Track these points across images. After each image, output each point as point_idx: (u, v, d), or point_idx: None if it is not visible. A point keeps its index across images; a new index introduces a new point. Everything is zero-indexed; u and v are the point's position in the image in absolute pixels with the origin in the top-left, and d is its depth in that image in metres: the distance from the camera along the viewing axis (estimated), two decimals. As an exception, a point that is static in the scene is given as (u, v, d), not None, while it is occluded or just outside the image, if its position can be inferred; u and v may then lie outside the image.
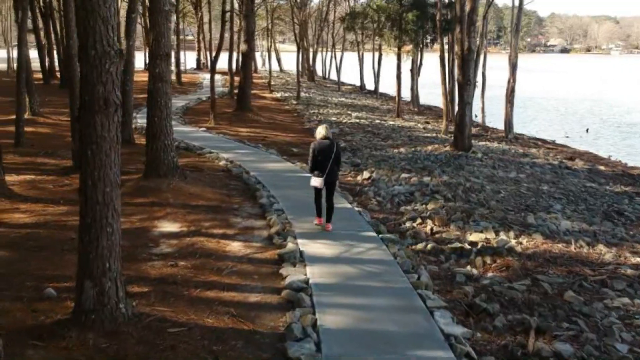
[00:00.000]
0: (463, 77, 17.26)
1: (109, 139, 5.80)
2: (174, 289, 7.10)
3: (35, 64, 40.09)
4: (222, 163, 14.56)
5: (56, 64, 36.82)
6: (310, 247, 8.56)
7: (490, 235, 9.79)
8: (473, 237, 9.71)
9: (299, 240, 8.80)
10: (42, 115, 21.05)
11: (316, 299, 6.81)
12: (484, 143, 21.36)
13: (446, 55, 26.18)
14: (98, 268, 5.84)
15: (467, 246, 9.30)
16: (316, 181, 9.20)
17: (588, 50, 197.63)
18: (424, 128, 25.62)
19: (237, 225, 9.78)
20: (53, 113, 22.48)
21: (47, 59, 37.58)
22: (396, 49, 27.51)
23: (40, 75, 35.17)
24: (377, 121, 26.21)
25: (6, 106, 21.68)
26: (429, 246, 9.25)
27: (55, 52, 36.87)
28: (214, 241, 8.93)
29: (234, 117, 23.60)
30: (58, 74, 35.18)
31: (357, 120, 25.77)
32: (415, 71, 33.63)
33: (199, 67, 58.08)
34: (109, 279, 5.89)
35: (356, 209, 10.68)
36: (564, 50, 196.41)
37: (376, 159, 16.53)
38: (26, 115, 20.61)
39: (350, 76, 58.66)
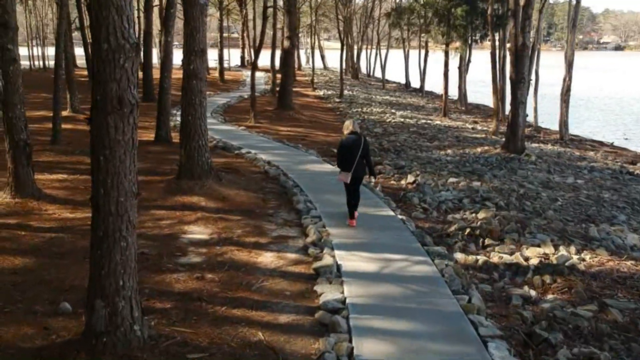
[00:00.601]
0: (517, 75, 16.18)
1: (124, 143, 5.21)
2: (198, 306, 6.48)
3: (81, 61, 40.72)
4: (259, 164, 13.96)
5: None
6: (349, 260, 7.82)
7: (549, 249, 8.84)
8: (529, 251, 8.77)
9: (337, 252, 8.07)
10: (82, 112, 20.93)
11: (353, 323, 6.07)
12: (537, 145, 20.16)
13: (497, 52, 24.97)
14: (111, 286, 5.27)
15: (523, 262, 8.38)
16: (344, 176, 9.14)
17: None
18: (472, 128, 24.49)
19: (271, 233, 9.13)
20: (94, 110, 22.39)
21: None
22: (444, 46, 26.40)
23: (85, 72, 35.53)
24: (423, 121, 25.23)
25: (50, 103, 21.73)
26: (480, 261, 8.38)
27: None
28: (246, 251, 8.30)
29: (274, 116, 23.06)
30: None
31: (402, 120, 24.85)
32: (463, 69, 32.42)
33: (243, 64, 57.93)
34: (123, 298, 5.31)
35: (399, 217, 9.88)
36: (618, 48, 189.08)
37: (421, 162, 15.64)
38: (66, 113, 20.63)
39: (394, 74, 57.56)
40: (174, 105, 22.77)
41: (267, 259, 8.03)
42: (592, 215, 11.29)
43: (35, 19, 51.49)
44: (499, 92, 24.45)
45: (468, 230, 9.49)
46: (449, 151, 17.45)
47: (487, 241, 9.22)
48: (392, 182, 13.37)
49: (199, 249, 8.31)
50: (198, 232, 9.03)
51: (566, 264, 8.27)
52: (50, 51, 53.30)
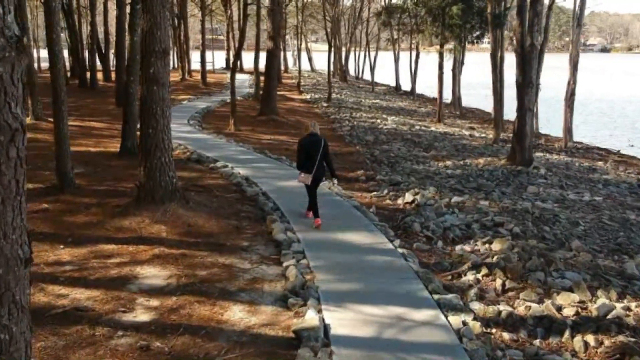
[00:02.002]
0: (524, 79, 14.58)
1: (0, 188, 3.46)
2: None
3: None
4: (236, 180, 12.21)
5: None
6: (340, 317, 6.12)
7: (585, 295, 7.20)
8: (562, 298, 7.12)
9: (324, 306, 6.37)
10: (45, 119, 19.06)
11: None
12: (541, 154, 18.60)
13: (497, 53, 23.38)
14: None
15: (557, 314, 6.73)
16: (305, 178, 9.09)
17: (629, 49, 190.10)
18: (470, 135, 22.90)
19: (243, 275, 7.40)
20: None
21: (69, 58, 36.09)
22: (436, 47, 24.81)
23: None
24: (417, 127, 23.60)
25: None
26: (503, 313, 6.71)
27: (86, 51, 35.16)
28: (209, 303, 6.56)
29: (257, 122, 21.32)
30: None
31: (394, 126, 23.21)
32: (457, 70, 30.89)
33: (228, 66, 56.11)
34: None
35: (400, 250, 8.19)
36: (604, 50, 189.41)
37: (419, 176, 13.99)
38: (29, 120, 18.74)
39: (384, 76, 56.02)
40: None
41: (235, 315, 6.30)
42: (622, 244, 9.68)
43: None
44: (498, 97, 22.89)
45: (484, 270, 7.81)
46: (449, 163, 15.81)
47: (508, 283, 7.56)
48: (388, 201, 11.69)
49: (150, 301, 6.56)
50: (153, 275, 7.28)
51: (609, 316, 6.63)
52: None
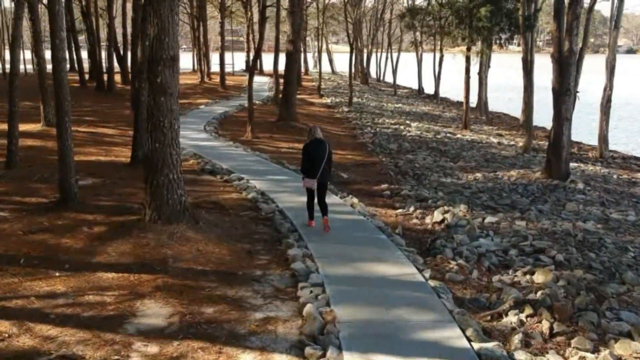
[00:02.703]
0: (560, 86, 13.56)
1: None
2: None
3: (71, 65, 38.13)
4: (251, 195, 11.40)
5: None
6: (365, 374, 5.25)
7: (648, 343, 6.22)
8: (620, 347, 6.17)
9: (347, 355, 5.50)
10: (58, 125, 18.45)
11: None
12: (576, 164, 17.49)
13: (528, 56, 22.25)
14: None
15: (618, 369, 5.78)
16: (310, 183, 9.11)
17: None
18: (498, 143, 21.83)
19: (254, 313, 6.56)
20: (74, 122, 19.87)
21: (88, 61, 35.72)
22: (463, 49, 23.77)
23: (77, 78, 33.25)
24: (442, 134, 22.58)
25: (28, 113, 19.22)
26: (555, 366, 5.78)
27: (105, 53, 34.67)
28: (214, 351, 5.74)
29: (275, 128, 20.50)
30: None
31: (419, 133, 22.24)
32: (483, 74, 29.78)
33: (248, 68, 55.57)
34: None
35: (431, 284, 7.28)
36: (630, 51, 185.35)
37: (447, 190, 13.04)
38: (39, 127, 18.23)
39: (405, 78, 54.92)
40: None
41: (244, 367, 5.47)
42: (679, 275, 8.63)
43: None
44: (529, 103, 21.76)
45: (528, 310, 6.86)
46: (478, 175, 14.83)
47: (557, 326, 6.60)
48: (415, 220, 10.77)
49: (148, 347, 5.76)
50: (153, 312, 6.48)
51: (682, 372, 5.66)
52: (28, 55, 51.08)
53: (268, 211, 10.37)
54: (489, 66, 30.37)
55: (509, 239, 9.49)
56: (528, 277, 7.97)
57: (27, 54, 45.83)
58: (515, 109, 36.50)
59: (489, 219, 10.59)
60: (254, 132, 18.50)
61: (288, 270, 7.75)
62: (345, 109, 28.64)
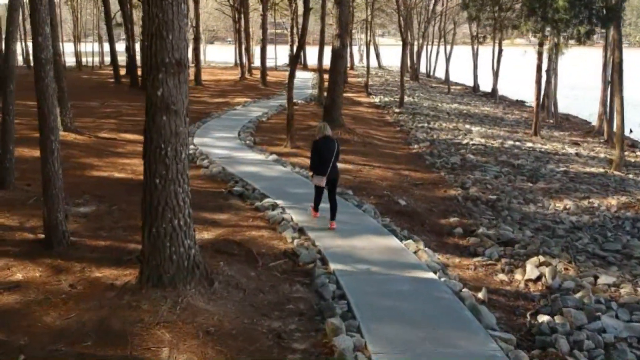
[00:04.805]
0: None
1: None
2: None
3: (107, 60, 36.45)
4: (286, 233, 8.98)
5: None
6: None
7: None
8: None
9: None
10: (76, 130, 16.52)
11: None
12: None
13: (607, 53, 19.15)
14: None
15: None
16: (320, 180, 9.13)
17: None
18: (576, 154, 18.81)
19: None
20: (96, 127, 17.97)
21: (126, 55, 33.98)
22: (537, 45, 20.76)
23: (116, 73, 31.60)
24: (510, 142, 19.67)
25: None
26: None
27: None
28: None
29: (318, 136, 17.98)
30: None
31: (482, 140, 19.40)
32: (552, 72, 26.57)
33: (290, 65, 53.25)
34: None
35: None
36: None
37: (534, 226, 10.36)
38: (55, 131, 16.20)
39: (457, 74, 51.55)
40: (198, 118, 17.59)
41: None
42: None
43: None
44: (607, 105, 18.68)
45: None
46: (568, 203, 12.03)
47: None
48: (501, 275, 8.14)
49: None
50: None
51: None
52: (85, 47, 50.01)
53: (307, 260, 7.94)
54: (556, 63, 27.15)
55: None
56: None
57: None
58: (583, 110, 33.06)
59: (604, 278, 7.85)
60: (293, 141, 16.07)
61: (333, 374, 5.31)
62: (396, 110, 25.94)
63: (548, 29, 20.37)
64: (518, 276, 8.08)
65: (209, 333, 5.92)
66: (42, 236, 8.31)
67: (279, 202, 10.53)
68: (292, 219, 9.65)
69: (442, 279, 7.35)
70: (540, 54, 20.95)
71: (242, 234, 8.99)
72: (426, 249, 8.44)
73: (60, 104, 16.10)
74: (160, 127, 6.35)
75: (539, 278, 7.93)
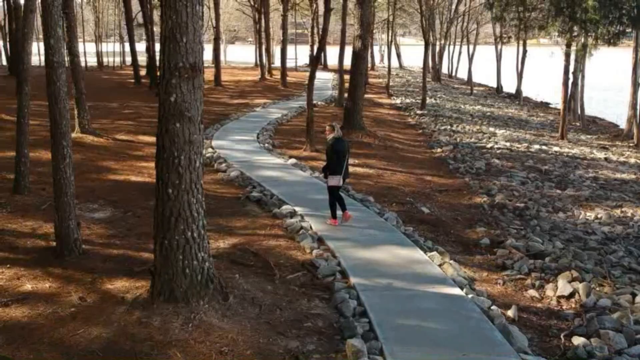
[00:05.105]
0: None
1: None
2: None
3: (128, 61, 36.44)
4: (304, 242, 8.63)
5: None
6: None
7: None
8: None
9: None
10: (93, 132, 16.37)
11: None
12: None
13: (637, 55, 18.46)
14: None
15: None
16: (337, 180, 9.21)
17: None
18: (605, 159, 18.17)
19: None
20: (114, 129, 17.82)
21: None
22: (564, 46, 20.13)
23: (136, 73, 31.59)
24: (536, 146, 19.09)
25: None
26: None
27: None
28: None
29: (339, 138, 17.60)
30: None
31: (507, 144, 18.84)
32: (578, 73, 25.85)
33: (310, 65, 52.90)
34: None
35: None
36: None
37: (565, 237, 9.87)
38: (73, 134, 16.08)
39: (479, 74, 50.76)
40: (214, 121, 17.11)
41: None
42: None
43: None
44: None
45: None
46: (600, 212, 11.51)
47: None
48: (531, 291, 7.69)
49: None
50: None
51: None
52: (106, 47, 50.22)
53: (326, 273, 7.57)
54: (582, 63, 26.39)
55: (686, 340, 6.29)
56: None
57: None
58: (611, 113, 32.26)
59: (646, 300, 7.36)
60: (313, 144, 15.74)
61: (354, 403, 4.94)
62: (418, 112, 25.44)
63: (576, 29, 19.72)
64: (549, 292, 7.63)
65: (223, 353, 5.60)
66: (54, 244, 8.09)
67: (297, 209, 10.20)
68: (311, 227, 9.30)
69: (470, 296, 6.94)
70: (567, 55, 20.31)
71: (259, 243, 8.67)
72: (452, 261, 8.03)
73: (78, 105, 16.05)
74: (174, 134, 6.06)
75: (572, 295, 7.47)
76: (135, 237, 8.87)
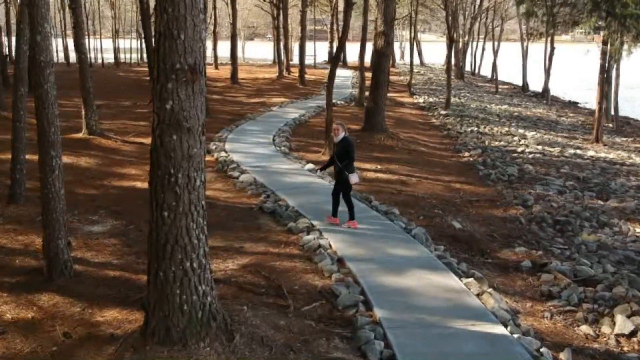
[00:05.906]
0: None
1: None
2: None
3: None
4: (324, 265, 7.67)
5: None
6: None
7: None
8: None
9: None
10: (101, 134, 15.58)
11: None
12: None
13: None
14: None
15: None
16: (356, 177, 9.12)
17: None
18: (646, 164, 16.93)
19: None
20: (124, 129, 17.02)
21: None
22: (601, 43, 18.89)
23: (150, 71, 30.82)
24: (570, 150, 17.90)
25: (73, 114, 16.46)
26: None
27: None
28: None
29: (359, 141, 16.61)
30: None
31: (539, 148, 17.69)
32: (612, 72, 24.50)
33: (331, 59, 51.78)
34: None
35: None
36: None
37: (615, 258, 8.78)
38: (80, 135, 15.36)
39: (503, 72, 49.29)
40: (230, 121, 16.51)
41: None
42: None
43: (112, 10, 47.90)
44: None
45: None
46: (650, 227, 10.38)
47: None
48: (584, 328, 6.64)
49: None
50: None
51: None
52: (124, 43, 49.57)
53: (348, 303, 6.62)
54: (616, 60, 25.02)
55: None
56: None
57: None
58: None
59: None
60: (332, 148, 14.72)
61: None
62: (442, 112, 24.32)
63: (614, 25, 18.45)
64: (606, 329, 6.60)
65: (224, 413, 4.68)
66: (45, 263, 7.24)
67: (315, 223, 9.26)
68: (330, 245, 8.35)
69: (515, 335, 5.93)
70: (604, 53, 19.06)
71: (271, 264, 7.74)
72: (491, 290, 7.01)
73: (85, 105, 15.29)
74: (169, 148, 5.14)
75: (633, 333, 6.44)
76: (134, 255, 8.00)
